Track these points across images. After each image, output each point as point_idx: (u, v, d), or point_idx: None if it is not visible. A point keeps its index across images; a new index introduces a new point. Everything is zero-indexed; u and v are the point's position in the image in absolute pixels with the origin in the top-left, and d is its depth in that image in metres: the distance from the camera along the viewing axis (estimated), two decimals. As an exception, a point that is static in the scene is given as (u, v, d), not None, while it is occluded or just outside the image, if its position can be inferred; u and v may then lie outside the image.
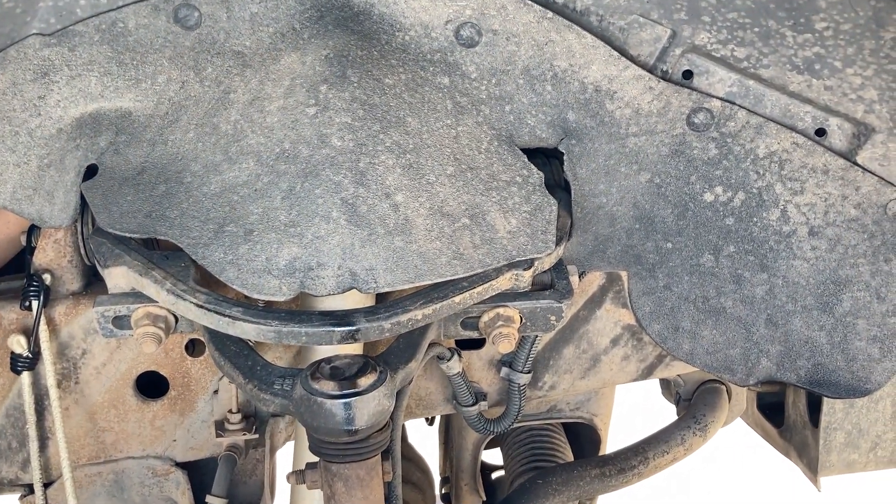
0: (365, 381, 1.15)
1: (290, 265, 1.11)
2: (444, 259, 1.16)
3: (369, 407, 1.14)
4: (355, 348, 1.35)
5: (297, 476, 1.24)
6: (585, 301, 1.55)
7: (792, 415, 2.06)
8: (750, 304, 1.45)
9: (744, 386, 1.49)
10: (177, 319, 1.29)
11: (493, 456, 2.11)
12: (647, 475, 1.58)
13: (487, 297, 1.26)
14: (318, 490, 1.24)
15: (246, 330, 1.17)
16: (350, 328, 1.15)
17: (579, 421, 1.76)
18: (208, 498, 1.46)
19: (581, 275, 1.48)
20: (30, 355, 1.42)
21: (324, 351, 1.35)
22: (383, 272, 1.12)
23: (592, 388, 1.61)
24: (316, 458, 1.23)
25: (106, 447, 1.53)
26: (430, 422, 2.46)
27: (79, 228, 1.35)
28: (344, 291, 1.12)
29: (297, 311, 1.20)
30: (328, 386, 1.14)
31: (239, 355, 1.24)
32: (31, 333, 1.40)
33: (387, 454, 1.25)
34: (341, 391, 1.13)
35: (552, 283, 1.35)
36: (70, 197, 1.26)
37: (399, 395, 1.33)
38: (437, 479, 2.29)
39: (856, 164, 1.31)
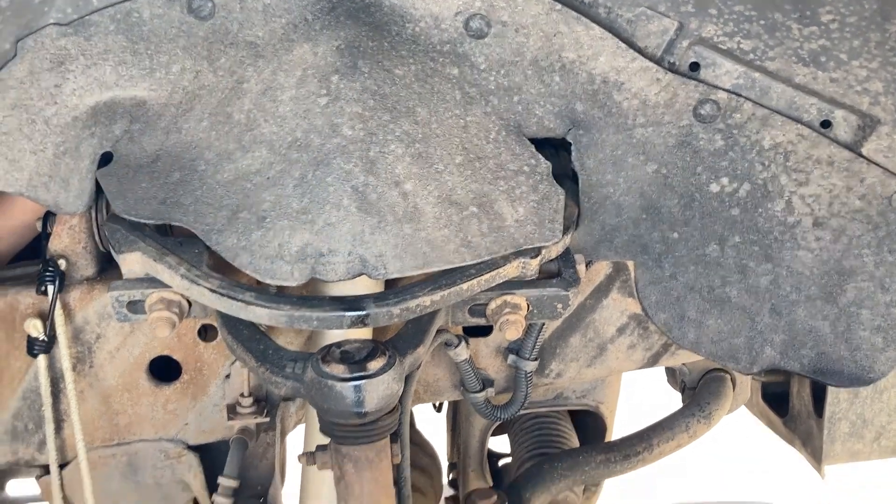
0: (374, 365, 1.18)
1: (302, 251, 1.14)
2: (452, 246, 1.18)
3: (378, 390, 1.16)
4: (365, 333, 1.37)
5: (308, 458, 1.27)
6: (592, 290, 1.57)
7: (796, 405, 2.07)
8: (754, 293, 1.46)
9: (748, 374, 1.51)
10: (190, 304, 1.32)
11: (501, 443, 2.13)
12: (652, 461, 1.59)
13: (495, 284, 1.28)
14: (329, 471, 1.26)
15: (258, 314, 1.19)
16: (360, 313, 1.18)
17: (585, 408, 1.78)
18: (220, 479, 1.49)
19: (588, 264, 1.50)
20: (45, 339, 1.44)
21: (334, 336, 1.38)
22: (392, 259, 1.14)
23: (598, 376, 1.63)
24: (326, 441, 1.25)
25: (119, 430, 1.56)
26: (438, 408, 2.48)
27: (93, 215, 1.38)
28: (354, 277, 1.14)
29: (309, 296, 1.23)
30: (338, 369, 1.17)
31: (251, 339, 1.27)
32: (46, 318, 1.43)
33: (395, 437, 1.27)
34: (351, 374, 1.16)
35: (559, 272, 1.37)
36: (85, 184, 1.28)
37: (407, 379, 1.35)
38: (444, 465, 2.32)
39: (861, 155, 1.33)
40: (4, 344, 1.50)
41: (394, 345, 1.25)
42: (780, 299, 1.46)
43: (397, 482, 1.31)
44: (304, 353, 1.24)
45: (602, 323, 1.58)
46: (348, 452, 1.21)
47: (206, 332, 1.52)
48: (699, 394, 1.67)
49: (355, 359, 1.19)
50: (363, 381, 1.16)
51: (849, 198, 1.35)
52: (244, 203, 1.19)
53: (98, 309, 1.47)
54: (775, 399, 2.25)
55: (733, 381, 1.71)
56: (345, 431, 1.19)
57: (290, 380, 1.20)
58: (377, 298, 1.20)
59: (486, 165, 1.26)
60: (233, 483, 1.48)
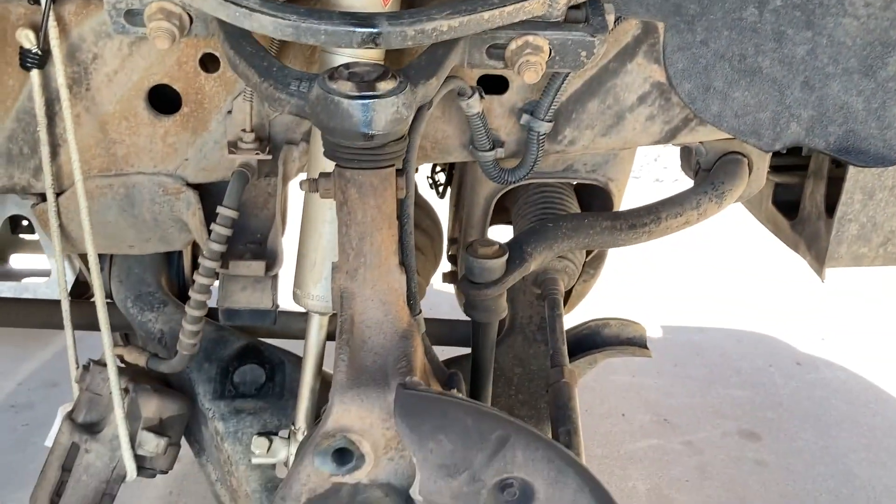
0: (384, 86, 1.11)
1: None
2: None
3: (387, 112, 1.10)
4: (376, 57, 1.29)
5: (311, 184, 1.23)
6: (617, 52, 1.48)
7: (807, 206, 2.04)
8: (788, 64, 1.38)
9: (769, 151, 1.45)
10: (192, 21, 1.24)
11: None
12: (658, 235, 1.57)
13: (517, 20, 1.20)
14: (331, 200, 1.23)
15: (263, 23, 1.12)
16: (372, 30, 1.11)
17: (594, 183, 1.73)
18: (219, 208, 1.46)
19: (617, 20, 1.41)
20: (39, 52, 1.37)
21: (342, 61, 1.30)
22: None
23: (613, 147, 1.57)
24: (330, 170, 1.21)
25: (117, 160, 1.51)
26: (441, 194, 2.46)
27: None
28: None
29: (318, 8, 1.14)
30: (347, 87, 1.10)
31: (255, 56, 1.19)
32: (39, 29, 1.35)
33: (401, 172, 1.23)
34: (360, 92, 1.10)
35: (587, 19, 1.29)
36: None
37: (417, 114, 1.29)
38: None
39: None
40: (-4, 58, 1.43)
41: (405, 74, 1.18)
42: (815, 72, 1.38)
43: (401, 218, 1.28)
44: (309, 74, 1.17)
45: (623, 89, 1.51)
46: (352, 177, 1.16)
47: (207, 65, 1.45)
48: (714, 173, 1.62)
49: (364, 79, 1.12)
50: (372, 101, 1.09)
51: (909, -43, 1.24)
52: None
53: (94, 27, 1.39)
54: (783, 206, 2.23)
55: (750, 165, 1.65)
56: (350, 154, 1.14)
57: (294, 97, 1.14)
58: (391, 17, 1.12)
59: None
60: (231, 213, 1.45)
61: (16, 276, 4.03)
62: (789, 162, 2.09)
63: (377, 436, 1.18)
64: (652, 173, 6.05)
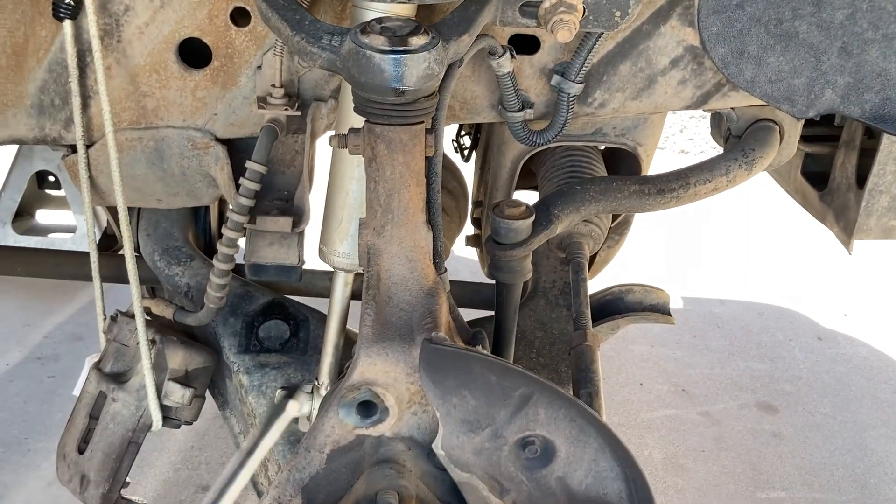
0: (416, 42, 1.11)
1: None
2: None
3: (419, 67, 1.10)
4: (407, 12, 1.28)
5: (340, 140, 1.23)
6: (651, 14, 1.46)
7: (837, 177, 2.02)
8: (826, 29, 1.36)
9: (802, 118, 1.44)
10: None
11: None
12: (686, 201, 1.55)
13: None
14: (359, 157, 1.23)
15: None
16: None
17: (622, 147, 1.72)
18: (247, 163, 1.46)
19: (651, -19, 1.39)
20: (72, 3, 1.37)
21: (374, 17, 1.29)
22: None
23: (643, 111, 1.56)
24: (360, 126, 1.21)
25: (147, 113, 1.52)
26: (467, 157, 2.45)
27: None
28: None
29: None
30: (379, 41, 1.10)
31: (287, 9, 1.19)
32: (71, -23, 1.36)
33: (430, 131, 1.23)
34: (392, 47, 1.09)
35: (621, -23, 1.27)
36: None
37: (448, 71, 1.28)
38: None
39: None
40: (30, 8, 1.43)
41: (437, 30, 1.17)
42: (854, 37, 1.36)
43: (428, 176, 1.28)
44: (341, 28, 1.16)
45: (655, 52, 1.49)
46: (382, 132, 1.16)
47: (237, 19, 1.45)
48: (744, 140, 1.60)
49: (397, 34, 1.11)
50: (403, 56, 1.09)
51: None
52: None
53: (127, -22, 1.39)
54: (812, 177, 2.20)
55: (781, 133, 1.63)
56: (381, 109, 1.14)
57: (325, 51, 1.14)
58: (425, -30, 1.11)
59: None
60: (260, 168, 1.45)
61: (42, 231, 4.08)
62: (820, 132, 2.06)
63: (401, 390, 1.19)
64: (677, 144, 5.99)
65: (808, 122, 1.72)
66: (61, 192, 3.96)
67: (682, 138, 5.88)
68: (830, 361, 3.60)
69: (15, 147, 3.86)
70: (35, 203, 4.06)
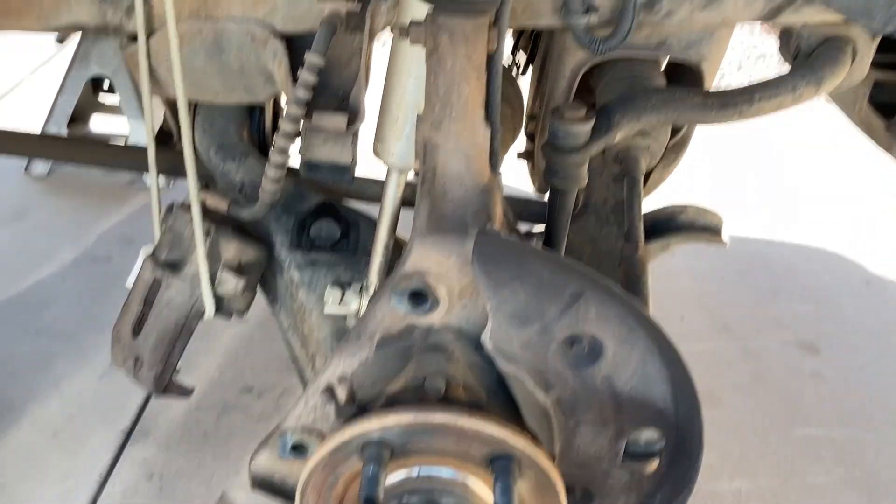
0: (487, -74, 1.08)
1: None
2: None
3: (488, -48, 1.08)
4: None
5: (401, 30, 1.22)
6: (726, -82, 1.41)
7: (905, 105, 1.96)
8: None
9: (878, 33, 1.39)
10: None
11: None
12: (749, 116, 1.51)
13: None
14: (418, 55, 1.22)
15: None
16: None
17: (686, 63, 1.68)
18: (306, 55, 1.45)
19: None
20: None
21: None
22: None
23: (711, 22, 1.51)
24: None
25: (207, 3, 1.52)
26: (524, 70, 2.41)
27: None
28: None
29: None
30: (448, -76, 1.08)
31: None
32: None
33: (494, 25, 1.20)
34: (462, -70, 1.07)
35: None
36: None
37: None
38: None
39: None
40: None
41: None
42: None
43: (489, 72, 1.26)
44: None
45: (728, -42, 1.44)
46: (445, 22, 1.15)
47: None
48: (814, 58, 1.54)
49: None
50: (474, -61, 1.07)
51: None
52: None
53: None
54: (881, 108, 2.13)
55: (854, 53, 1.57)
56: (445, -3, 1.12)
57: (394, -65, 1.12)
58: None
59: None
60: (318, 60, 1.44)
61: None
62: (893, 59, 1.99)
63: (453, 281, 1.20)
64: (734, 83, 5.83)
65: (882, 47, 1.65)
66: (115, 100, 4.00)
67: (741, 76, 5.73)
68: (877, 306, 3.55)
69: (71, 52, 3.89)
70: (89, 109, 4.12)
